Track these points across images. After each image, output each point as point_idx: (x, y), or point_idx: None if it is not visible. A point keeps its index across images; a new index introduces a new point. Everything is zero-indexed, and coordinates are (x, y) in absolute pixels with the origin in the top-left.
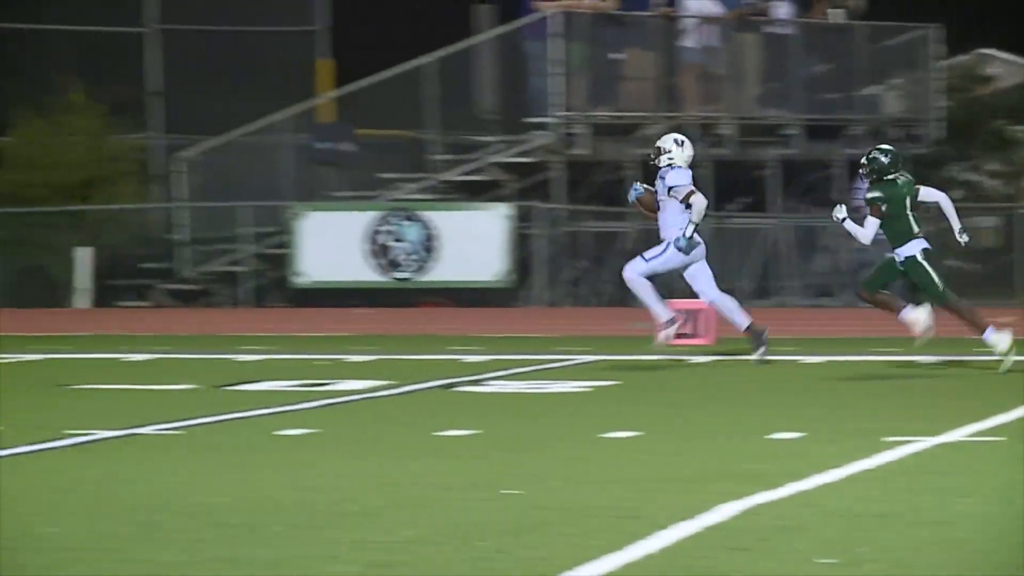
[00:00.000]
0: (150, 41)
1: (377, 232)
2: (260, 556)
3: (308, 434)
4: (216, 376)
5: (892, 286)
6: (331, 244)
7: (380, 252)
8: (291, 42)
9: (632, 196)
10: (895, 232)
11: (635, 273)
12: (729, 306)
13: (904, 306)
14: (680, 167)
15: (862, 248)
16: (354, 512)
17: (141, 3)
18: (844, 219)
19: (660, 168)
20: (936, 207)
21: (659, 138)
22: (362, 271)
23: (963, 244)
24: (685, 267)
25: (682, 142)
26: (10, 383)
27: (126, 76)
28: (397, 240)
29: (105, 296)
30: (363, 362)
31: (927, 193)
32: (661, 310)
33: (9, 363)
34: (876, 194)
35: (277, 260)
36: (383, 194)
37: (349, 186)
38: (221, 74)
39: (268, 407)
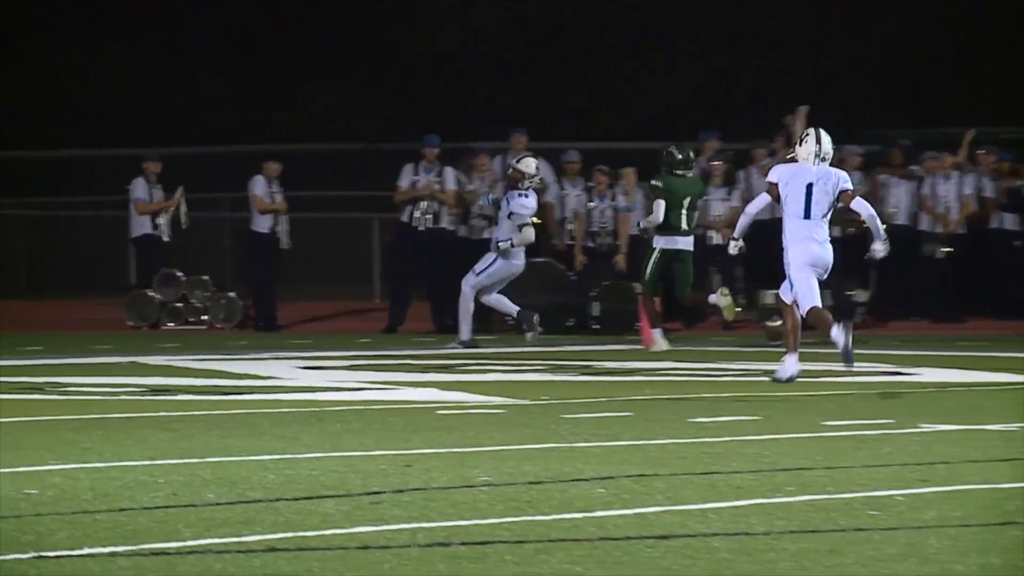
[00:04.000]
0: None
1: None
2: None
3: None
4: None
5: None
6: None
7: None
8: None
9: (485, 201)
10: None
11: (467, 286)
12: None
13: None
14: (528, 194)
15: None
16: None
17: None
18: None
19: (518, 189)
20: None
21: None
22: None
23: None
24: (508, 279)
25: (536, 167)
26: None
27: None
28: None
29: None
30: None
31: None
32: (467, 330)
33: None
34: (658, 183)
35: None
36: None
37: None
38: None
39: None
